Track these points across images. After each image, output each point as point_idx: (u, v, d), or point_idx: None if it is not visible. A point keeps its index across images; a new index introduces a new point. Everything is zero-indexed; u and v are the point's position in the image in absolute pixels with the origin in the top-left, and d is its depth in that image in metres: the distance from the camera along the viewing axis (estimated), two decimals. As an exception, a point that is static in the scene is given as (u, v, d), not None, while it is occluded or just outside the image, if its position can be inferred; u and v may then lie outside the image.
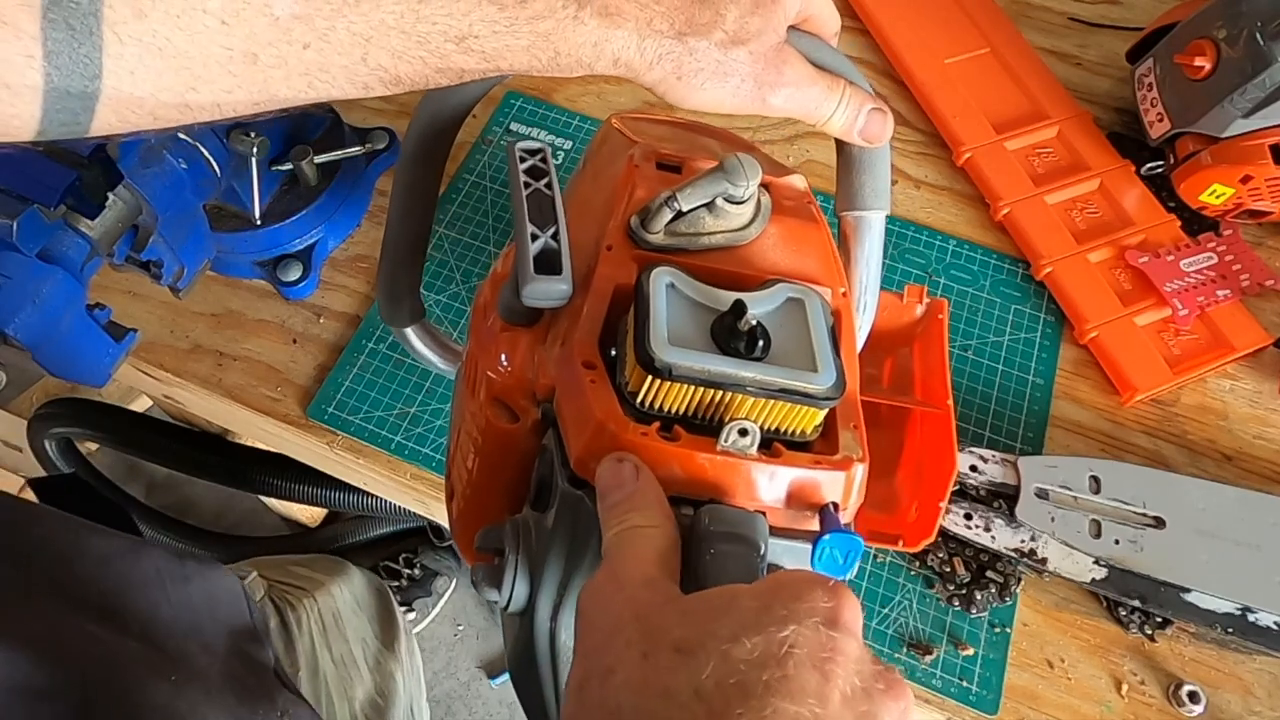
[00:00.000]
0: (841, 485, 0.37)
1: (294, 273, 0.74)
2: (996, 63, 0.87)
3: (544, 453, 0.42)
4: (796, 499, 0.37)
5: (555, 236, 0.41)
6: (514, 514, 0.42)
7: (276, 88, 0.36)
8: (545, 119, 0.86)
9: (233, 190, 0.71)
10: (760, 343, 0.37)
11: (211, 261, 0.71)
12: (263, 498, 1.28)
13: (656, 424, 0.37)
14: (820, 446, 0.39)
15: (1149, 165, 0.80)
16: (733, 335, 0.37)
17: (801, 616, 0.30)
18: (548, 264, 0.40)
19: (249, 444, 0.98)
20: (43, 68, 0.31)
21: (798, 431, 0.39)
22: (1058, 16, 0.94)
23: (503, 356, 0.43)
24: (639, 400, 0.38)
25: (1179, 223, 0.77)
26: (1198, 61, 0.73)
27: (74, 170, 0.54)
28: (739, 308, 0.38)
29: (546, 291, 0.40)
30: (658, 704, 0.29)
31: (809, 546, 0.36)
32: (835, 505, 0.37)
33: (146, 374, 0.74)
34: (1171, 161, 0.79)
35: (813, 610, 0.30)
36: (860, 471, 0.38)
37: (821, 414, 0.38)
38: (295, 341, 0.74)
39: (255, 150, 0.68)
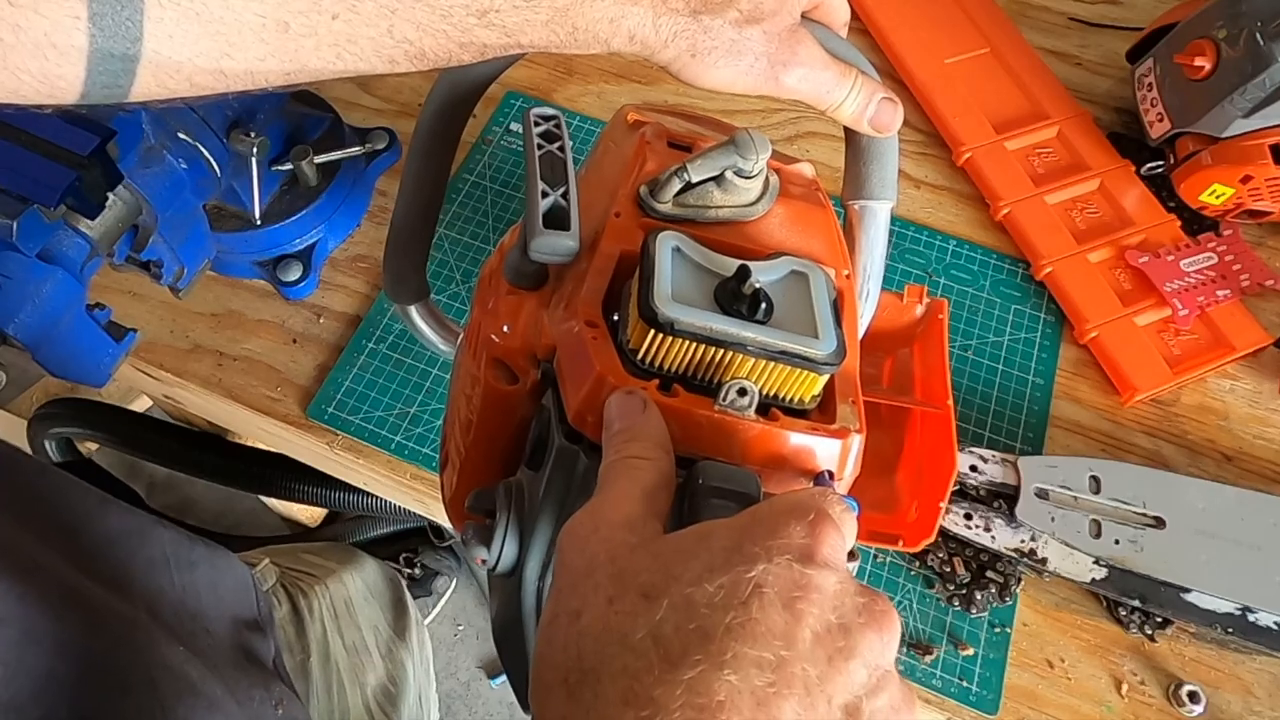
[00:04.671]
0: (837, 453, 0.38)
1: (294, 273, 0.74)
2: (996, 63, 0.87)
3: (541, 412, 0.42)
4: (792, 465, 0.37)
5: (565, 195, 0.41)
6: (508, 478, 0.43)
7: (307, 58, 0.37)
8: (545, 119, 0.85)
9: (233, 190, 0.71)
10: (763, 306, 0.38)
11: (211, 261, 0.71)
12: (263, 498, 1.28)
13: (656, 381, 0.37)
14: (817, 417, 0.39)
15: (1149, 165, 0.80)
16: (736, 298, 0.38)
17: (774, 554, 0.29)
18: (557, 220, 0.41)
19: (249, 444, 0.98)
20: (87, 29, 0.32)
21: (796, 399, 0.39)
22: (1058, 16, 0.94)
23: (504, 323, 0.43)
24: (640, 357, 0.38)
25: (1179, 223, 0.77)
26: (1198, 61, 0.73)
27: (74, 170, 0.54)
28: (743, 272, 0.38)
29: (554, 246, 0.40)
30: (615, 649, 0.28)
31: None
32: (830, 474, 0.37)
33: (146, 374, 0.74)
34: (1171, 161, 0.79)
35: (786, 546, 0.29)
36: (857, 442, 0.38)
37: (821, 382, 0.39)
38: (295, 341, 0.74)
39: (255, 150, 0.68)
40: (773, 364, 0.37)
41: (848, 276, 0.45)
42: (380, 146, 0.79)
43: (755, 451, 0.37)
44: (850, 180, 0.51)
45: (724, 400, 0.37)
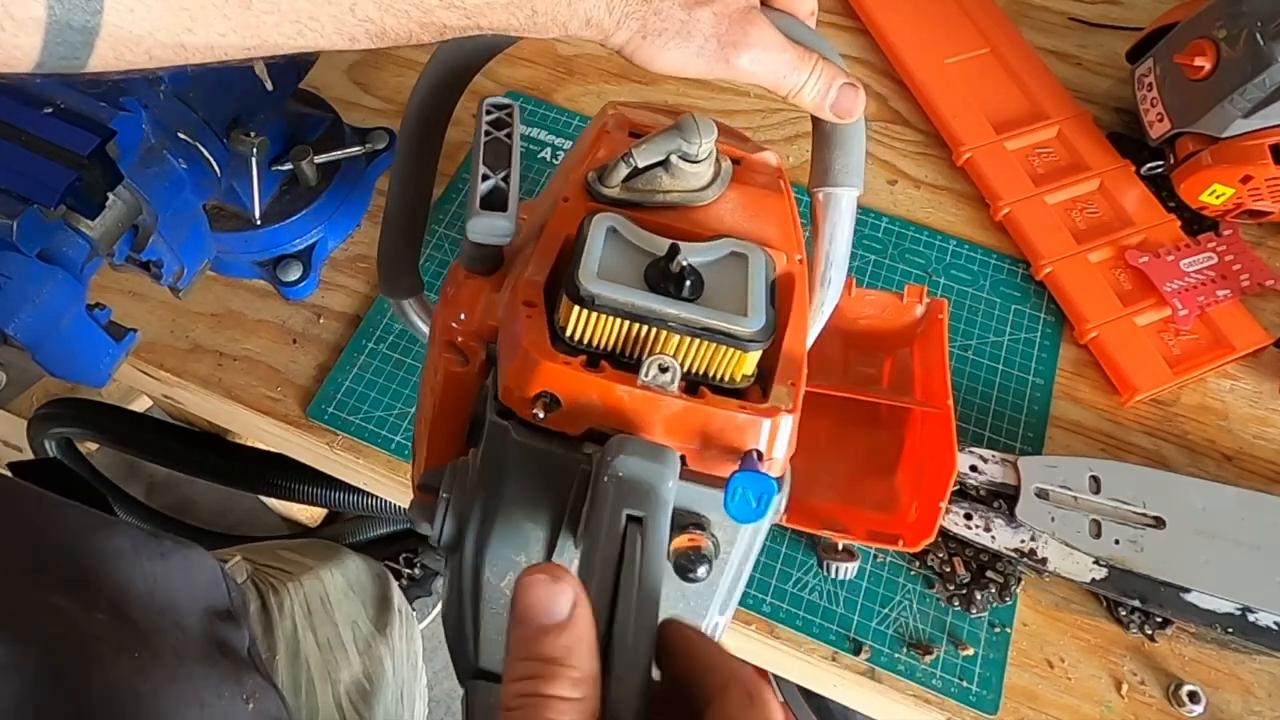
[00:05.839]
0: (765, 432, 0.37)
1: (294, 273, 0.74)
2: (996, 63, 0.87)
3: (483, 391, 0.43)
4: (718, 443, 0.37)
5: (506, 179, 0.42)
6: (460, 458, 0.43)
7: (268, 33, 0.37)
8: (545, 119, 0.85)
9: (233, 190, 0.71)
10: (690, 283, 0.38)
11: (211, 261, 0.71)
12: (263, 498, 1.28)
13: (583, 357, 0.38)
14: (753, 396, 0.39)
15: (1149, 165, 0.80)
16: (665, 276, 0.38)
17: None
18: (494, 202, 0.41)
19: (249, 444, 0.98)
20: (46, 1, 0.32)
21: (727, 378, 0.39)
22: (1058, 16, 0.94)
23: (462, 311, 0.44)
24: (568, 334, 0.38)
25: (1179, 223, 0.77)
26: (1198, 61, 0.73)
27: (74, 170, 0.54)
28: (672, 250, 0.39)
29: (489, 227, 0.41)
30: None
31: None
32: (759, 454, 0.37)
33: (146, 374, 0.74)
34: (1171, 161, 0.79)
35: None
36: (787, 422, 0.38)
37: (750, 361, 0.39)
38: (295, 341, 0.74)
39: (255, 150, 0.68)
40: (698, 341, 0.38)
41: (800, 261, 0.44)
42: (380, 146, 0.79)
43: (679, 428, 0.37)
44: (815, 167, 0.51)
45: (646, 376, 0.37)
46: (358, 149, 0.76)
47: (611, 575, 0.31)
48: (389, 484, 0.70)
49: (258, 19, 0.36)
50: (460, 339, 0.44)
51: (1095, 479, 0.63)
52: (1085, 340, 0.72)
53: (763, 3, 0.46)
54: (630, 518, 0.32)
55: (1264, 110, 0.71)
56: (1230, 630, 0.60)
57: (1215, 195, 0.75)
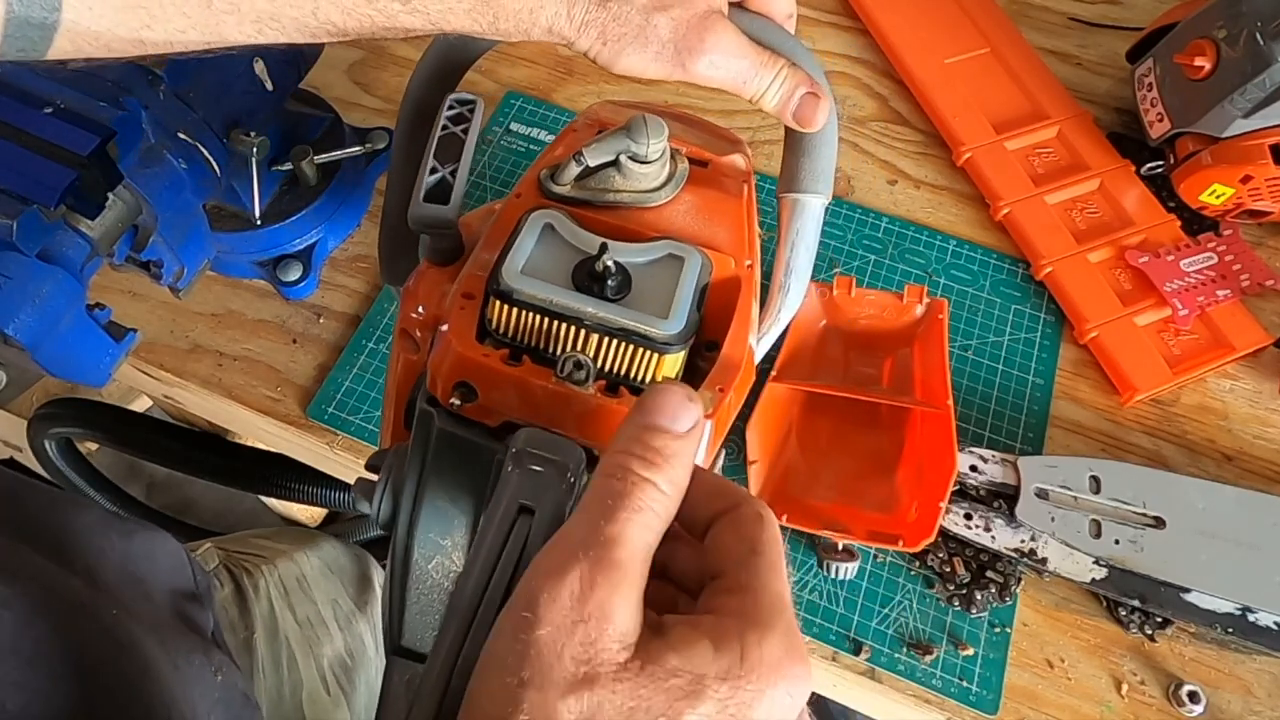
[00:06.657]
0: None
1: (294, 273, 0.74)
2: (996, 63, 0.87)
3: (420, 378, 0.44)
4: None
5: (453, 173, 0.43)
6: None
7: (228, 31, 0.37)
8: (545, 119, 0.86)
9: (233, 190, 0.71)
10: (612, 283, 0.39)
11: (211, 261, 0.71)
12: (263, 498, 1.28)
13: (505, 351, 0.38)
14: None
15: (1149, 165, 0.80)
16: (590, 275, 0.39)
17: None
18: (438, 195, 0.42)
19: (249, 444, 0.98)
20: None
21: (648, 379, 0.39)
22: (1058, 16, 0.94)
23: (420, 304, 0.45)
24: (493, 327, 0.39)
25: (1179, 223, 0.77)
26: (1198, 61, 0.73)
27: (74, 170, 0.54)
28: (601, 249, 0.39)
29: (430, 217, 0.42)
30: None
31: None
32: None
33: (146, 374, 0.74)
34: (1171, 161, 0.79)
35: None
36: (702, 428, 0.38)
37: (670, 363, 0.39)
38: (295, 341, 0.74)
39: (255, 150, 0.68)
40: (615, 340, 0.38)
41: (750, 267, 0.44)
42: (380, 146, 0.79)
43: (592, 425, 0.37)
44: (783, 172, 0.50)
45: (561, 373, 0.38)
46: (357, 149, 0.76)
47: (493, 560, 0.32)
48: (389, 484, 0.70)
49: (218, 18, 0.36)
50: (418, 331, 0.45)
51: (1095, 479, 0.63)
52: (1085, 340, 0.72)
53: (739, 4, 0.46)
54: (523, 507, 0.33)
55: (1264, 110, 0.71)
56: (1230, 630, 0.60)
57: (1215, 195, 0.75)
